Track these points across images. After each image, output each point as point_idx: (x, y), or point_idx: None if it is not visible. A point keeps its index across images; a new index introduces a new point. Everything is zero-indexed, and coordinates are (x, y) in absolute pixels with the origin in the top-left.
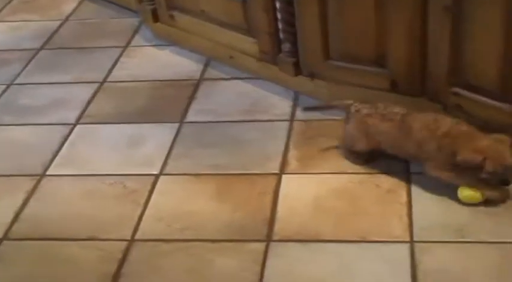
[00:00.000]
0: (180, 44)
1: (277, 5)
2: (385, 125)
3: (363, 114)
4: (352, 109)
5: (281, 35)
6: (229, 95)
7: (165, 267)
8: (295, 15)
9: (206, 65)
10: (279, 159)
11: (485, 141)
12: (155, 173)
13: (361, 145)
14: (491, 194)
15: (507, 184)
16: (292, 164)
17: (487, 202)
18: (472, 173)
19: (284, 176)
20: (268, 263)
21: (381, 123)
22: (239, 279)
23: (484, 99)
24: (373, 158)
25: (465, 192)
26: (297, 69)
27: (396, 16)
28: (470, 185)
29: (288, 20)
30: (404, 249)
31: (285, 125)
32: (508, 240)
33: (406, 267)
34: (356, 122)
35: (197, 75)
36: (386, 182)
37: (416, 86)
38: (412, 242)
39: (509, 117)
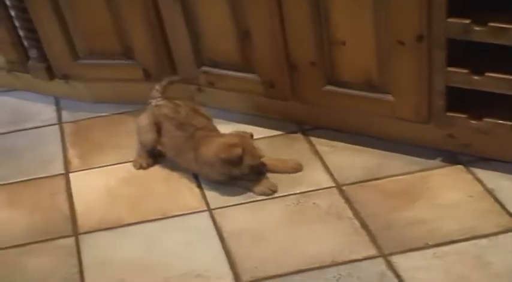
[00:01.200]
0: None
1: (12, 13)
2: (177, 133)
3: (161, 113)
4: (153, 102)
5: (25, 43)
6: None
7: None
8: (33, 21)
9: None
10: (61, 160)
11: (233, 137)
12: None
13: (149, 137)
14: (259, 189)
15: (262, 173)
16: (75, 162)
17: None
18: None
19: (71, 175)
20: (83, 254)
21: (174, 130)
22: (59, 274)
23: (230, 73)
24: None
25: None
26: (51, 74)
27: (128, 8)
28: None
29: (27, 27)
30: (205, 217)
31: (55, 128)
32: (285, 194)
33: (211, 232)
34: (151, 115)
35: None
36: (166, 163)
37: (166, 71)
38: (209, 209)
39: (254, 85)
